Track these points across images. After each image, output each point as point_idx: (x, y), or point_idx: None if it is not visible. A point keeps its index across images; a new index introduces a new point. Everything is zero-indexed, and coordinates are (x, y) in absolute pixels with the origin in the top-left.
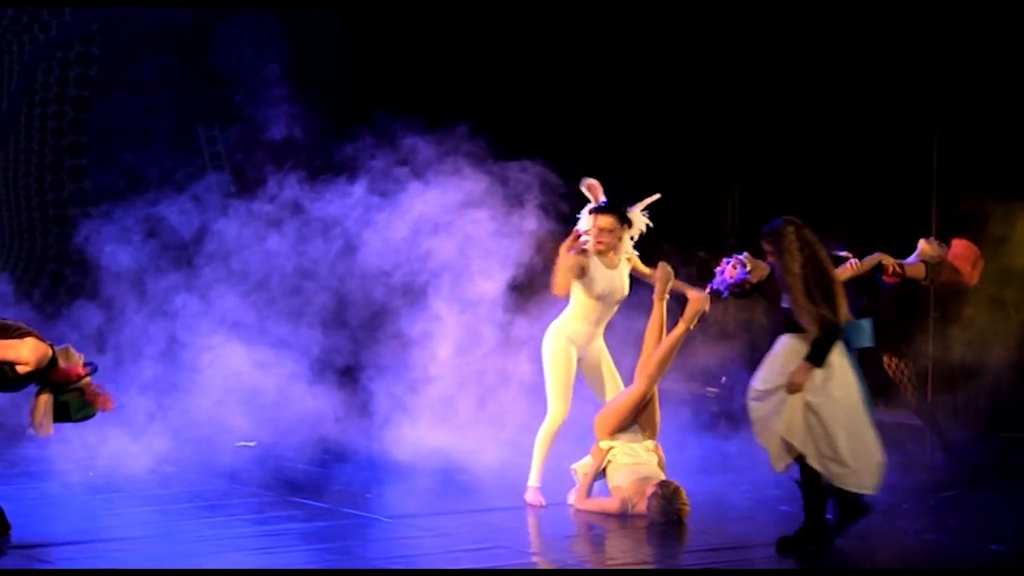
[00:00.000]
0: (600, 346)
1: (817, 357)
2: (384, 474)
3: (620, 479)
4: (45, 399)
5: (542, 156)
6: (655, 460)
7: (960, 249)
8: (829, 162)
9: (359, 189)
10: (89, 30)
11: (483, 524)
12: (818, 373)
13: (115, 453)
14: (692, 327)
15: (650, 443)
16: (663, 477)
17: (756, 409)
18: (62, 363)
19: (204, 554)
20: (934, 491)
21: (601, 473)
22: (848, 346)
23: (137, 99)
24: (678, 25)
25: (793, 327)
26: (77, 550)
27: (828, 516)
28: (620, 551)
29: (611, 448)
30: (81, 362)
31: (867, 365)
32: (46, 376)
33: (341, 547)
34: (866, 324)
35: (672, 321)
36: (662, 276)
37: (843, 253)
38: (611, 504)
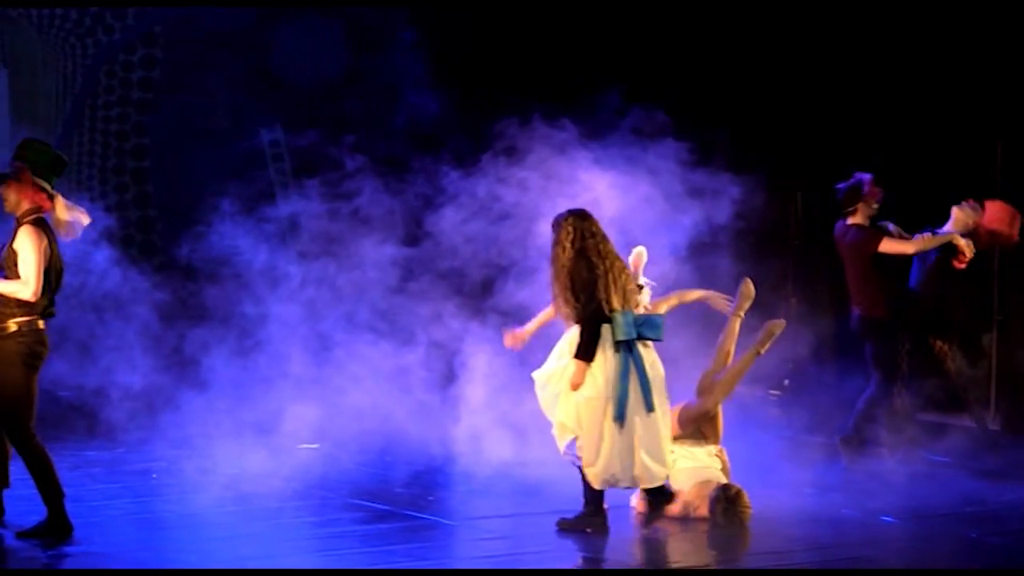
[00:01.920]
0: None
1: (582, 352)
2: (447, 477)
3: (682, 482)
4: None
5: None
6: (718, 465)
7: (994, 211)
8: (892, 171)
9: (500, 173)
10: (152, 32)
11: (545, 527)
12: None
13: (179, 456)
14: (764, 352)
15: (713, 448)
16: (725, 481)
17: (542, 399)
18: (22, 191)
19: (265, 556)
20: (995, 495)
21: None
22: (641, 338)
23: (199, 101)
24: (742, 31)
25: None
26: (132, 548)
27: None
28: (682, 554)
29: (673, 451)
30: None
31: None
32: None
33: (404, 550)
34: (620, 318)
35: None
36: (745, 293)
37: (891, 227)
38: (673, 507)
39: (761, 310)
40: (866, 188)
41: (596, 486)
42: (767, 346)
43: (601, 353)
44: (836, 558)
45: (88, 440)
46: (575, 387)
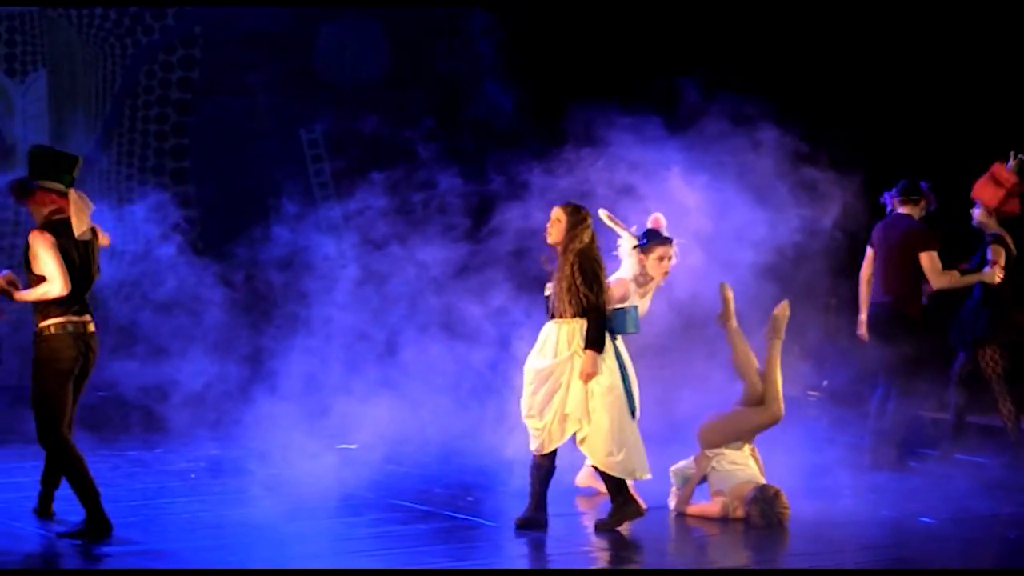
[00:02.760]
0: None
1: (595, 342)
2: (487, 477)
3: (721, 484)
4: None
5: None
6: (755, 466)
7: (980, 192)
8: (955, 175)
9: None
10: (191, 33)
11: (584, 528)
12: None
13: (221, 456)
14: (783, 337)
15: (747, 448)
16: (763, 482)
17: (534, 394)
18: (33, 201)
19: (305, 556)
20: None
21: (703, 478)
22: (612, 334)
23: (239, 102)
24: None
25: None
26: (173, 548)
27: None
28: (720, 555)
29: (717, 455)
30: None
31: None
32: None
33: (443, 550)
34: (633, 312)
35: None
36: (726, 296)
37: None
38: (712, 509)
39: (803, 309)
40: (927, 191)
41: (620, 475)
42: (783, 331)
43: (609, 344)
44: (875, 559)
45: (130, 439)
46: (589, 377)
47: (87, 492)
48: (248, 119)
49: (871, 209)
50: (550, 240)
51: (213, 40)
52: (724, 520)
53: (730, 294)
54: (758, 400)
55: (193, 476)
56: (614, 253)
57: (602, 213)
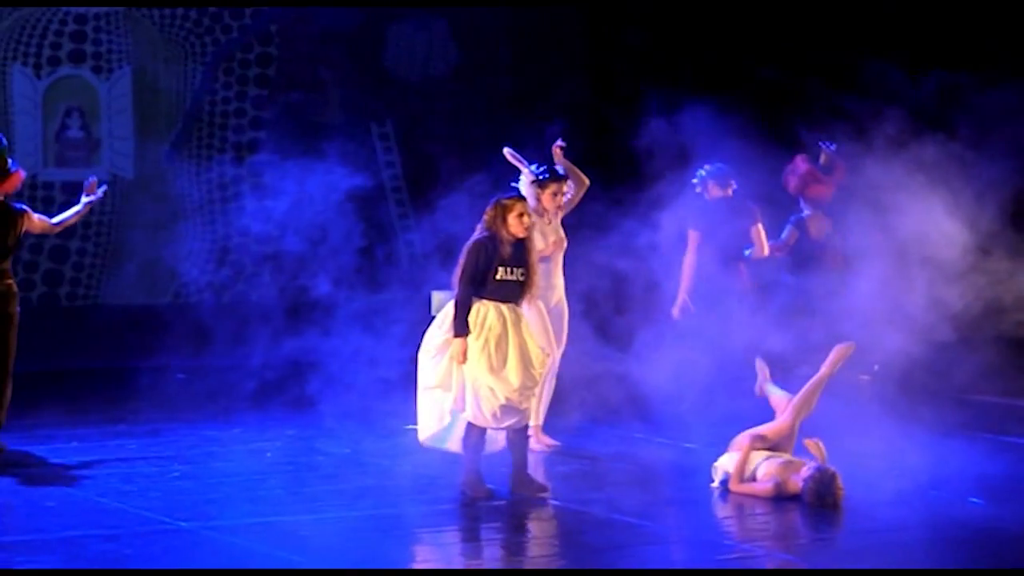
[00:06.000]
0: (561, 299)
1: None
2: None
3: (768, 465)
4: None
5: None
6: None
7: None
8: None
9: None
10: (268, 31)
11: (619, 510)
12: None
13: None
14: (834, 372)
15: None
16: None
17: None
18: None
19: (332, 547)
20: None
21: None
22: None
23: (313, 97)
24: None
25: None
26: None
27: None
28: (774, 533)
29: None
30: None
31: None
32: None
33: (498, 539)
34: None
35: None
36: (761, 372)
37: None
38: (765, 488)
39: None
40: None
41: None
42: (836, 368)
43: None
44: (926, 537)
45: (208, 419)
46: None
47: None
48: (322, 113)
49: None
50: (523, 234)
51: (288, 38)
52: (777, 499)
53: (766, 372)
54: (782, 411)
55: (268, 455)
56: (512, 185)
57: (506, 151)
